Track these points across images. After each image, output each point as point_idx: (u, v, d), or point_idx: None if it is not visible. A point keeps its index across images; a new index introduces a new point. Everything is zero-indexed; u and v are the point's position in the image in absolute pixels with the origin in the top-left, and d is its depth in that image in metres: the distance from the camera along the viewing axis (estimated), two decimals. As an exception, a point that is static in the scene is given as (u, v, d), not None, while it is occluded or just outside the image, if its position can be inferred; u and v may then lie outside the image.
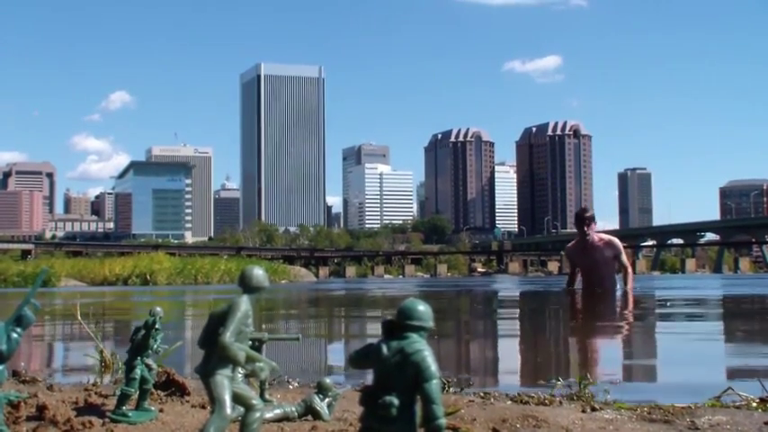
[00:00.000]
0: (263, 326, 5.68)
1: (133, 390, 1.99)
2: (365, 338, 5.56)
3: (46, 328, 6.44)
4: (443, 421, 1.02)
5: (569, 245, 11.89)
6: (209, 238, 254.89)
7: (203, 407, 2.16)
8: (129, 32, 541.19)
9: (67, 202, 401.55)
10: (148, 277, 39.49)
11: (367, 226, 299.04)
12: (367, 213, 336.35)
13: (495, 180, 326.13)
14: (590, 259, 10.97)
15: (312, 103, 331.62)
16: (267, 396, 2.21)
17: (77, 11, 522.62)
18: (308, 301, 12.34)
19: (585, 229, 10.98)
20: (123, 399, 2.00)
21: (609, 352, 4.61)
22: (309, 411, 2.04)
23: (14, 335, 1.30)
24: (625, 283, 10.97)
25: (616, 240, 11.24)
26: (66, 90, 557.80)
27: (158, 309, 2.01)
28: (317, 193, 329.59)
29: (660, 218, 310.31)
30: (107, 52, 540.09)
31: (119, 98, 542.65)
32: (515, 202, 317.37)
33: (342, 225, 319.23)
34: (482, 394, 2.57)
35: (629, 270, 11.14)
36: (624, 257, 11.12)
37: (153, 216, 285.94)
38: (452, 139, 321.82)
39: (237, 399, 1.25)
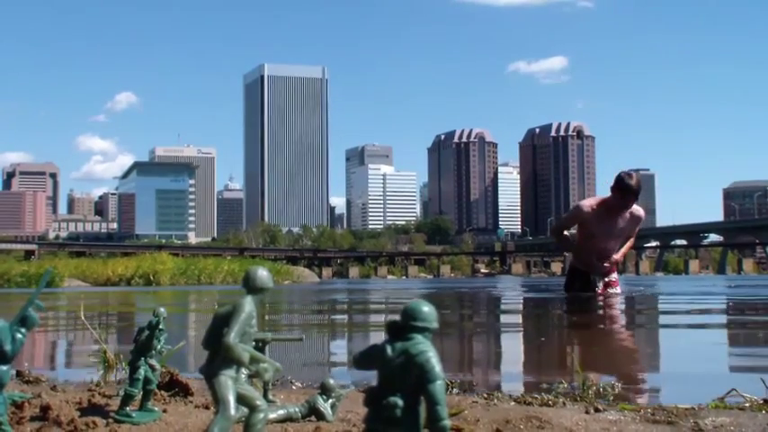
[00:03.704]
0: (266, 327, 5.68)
1: (137, 390, 1.99)
2: (369, 339, 5.56)
3: (50, 329, 6.44)
4: (448, 422, 1.02)
5: (588, 202, 10.18)
6: (213, 239, 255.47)
7: (207, 407, 2.16)
8: (134, 34, 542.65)
9: (71, 203, 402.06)
10: (151, 278, 39.54)
11: (370, 227, 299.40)
12: (370, 214, 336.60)
13: (499, 181, 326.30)
14: (611, 229, 9.75)
15: (315, 104, 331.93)
16: (270, 397, 2.21)
17: (84, 12, 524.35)
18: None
19: (628, 206, 9.65)
20: (127, 399, 2.00)
21: (612, 353, 4.60)
22: (313, 412, 2.03)
23: (19, 335, 1.30)
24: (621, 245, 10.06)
25: (642, 212, 10.00)
26: (72, 91, 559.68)
27: (162, 309, 2.00)
28: (320, 194, 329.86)
29: (663, 219, 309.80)
30: (113, 53, 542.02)
31: (125, 99, 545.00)
32: (518, 203, 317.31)
33: (345, 226, 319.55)
34: (485, 395, 2.57)
35: (632, 240, 10.23)
36: (637, 228, 10.18)
37: (156, 216, 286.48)
38: (456, 139, 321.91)
39: (241, 399, 1.25)
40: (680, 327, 6.63)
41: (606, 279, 10.21)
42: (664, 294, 13.87)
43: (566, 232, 10.54)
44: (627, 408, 2.29)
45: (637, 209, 9.83)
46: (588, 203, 10.10)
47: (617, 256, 10.05)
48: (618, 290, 10.42)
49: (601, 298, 9.77)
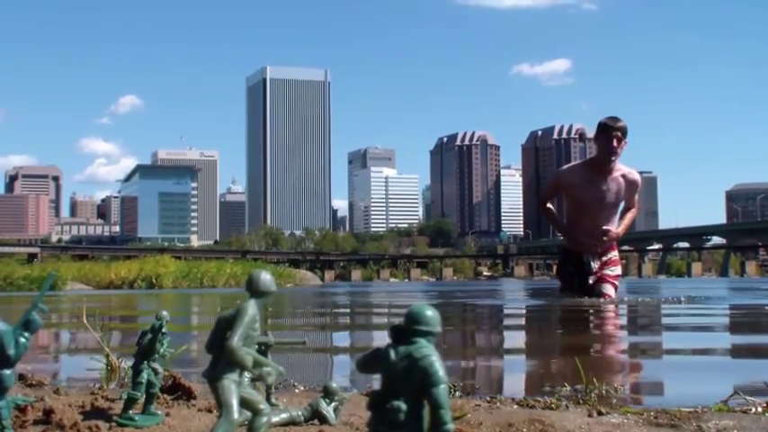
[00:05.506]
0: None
1: (140, 394, 1.99)
2: (372, 343, 5.55)
3: (52, 332, 6.45)
4: (451, 426, 1.02)
5: (570, 165, 8.85)
6: (215, 242, 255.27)
7: (210, 411, 2.16)
8: (137, 37, 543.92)
9: (73, 206, 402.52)
10: (154, 281, 39.57)
11: (372, 229, 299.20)
12: (373, 217, 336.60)
13: (501, 183, 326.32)
14: (599, 194, 8.25)
15: (318, 107, 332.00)
16: (273, 400, 2.21)
17: (88, 15, 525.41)
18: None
19: (614, 145, 8.05)
20: (130, 403, 1.99)
21: (614, 355, 4.59)
22: (316, 416, 2.03)
23: (22, 339, 1.30)
24: (621, 218, 8.53)
25: (638, 176, 8.56)
26: (76, 94, 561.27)
27: (165, 313, 2.01)
28: (322, 197, 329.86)
29: (666, 221, 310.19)
30: (117, 56, 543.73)
31: (128, 102, 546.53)
32: (521, 206, 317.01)
33: (347, 228, 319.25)
34: (488, 398, 2.56)
35: (634, 211, 8.65)
36: (637, 196, 8.65)
37: (159, 219, 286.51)
38: (458, 142, 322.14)
39: (244, 403, 1.25)
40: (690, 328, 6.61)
41: (603, 258, 8.67)
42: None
43: (550, 205, 9.14)
44: (630, 411, 2.28)
45: (630, 171, 8.48)
46: (569, 165, 8.91)
47: (617, 230, 8.55)
48: (617, 270, 8.82)
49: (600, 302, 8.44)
